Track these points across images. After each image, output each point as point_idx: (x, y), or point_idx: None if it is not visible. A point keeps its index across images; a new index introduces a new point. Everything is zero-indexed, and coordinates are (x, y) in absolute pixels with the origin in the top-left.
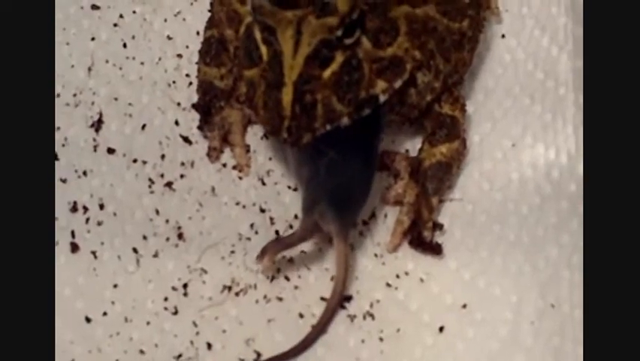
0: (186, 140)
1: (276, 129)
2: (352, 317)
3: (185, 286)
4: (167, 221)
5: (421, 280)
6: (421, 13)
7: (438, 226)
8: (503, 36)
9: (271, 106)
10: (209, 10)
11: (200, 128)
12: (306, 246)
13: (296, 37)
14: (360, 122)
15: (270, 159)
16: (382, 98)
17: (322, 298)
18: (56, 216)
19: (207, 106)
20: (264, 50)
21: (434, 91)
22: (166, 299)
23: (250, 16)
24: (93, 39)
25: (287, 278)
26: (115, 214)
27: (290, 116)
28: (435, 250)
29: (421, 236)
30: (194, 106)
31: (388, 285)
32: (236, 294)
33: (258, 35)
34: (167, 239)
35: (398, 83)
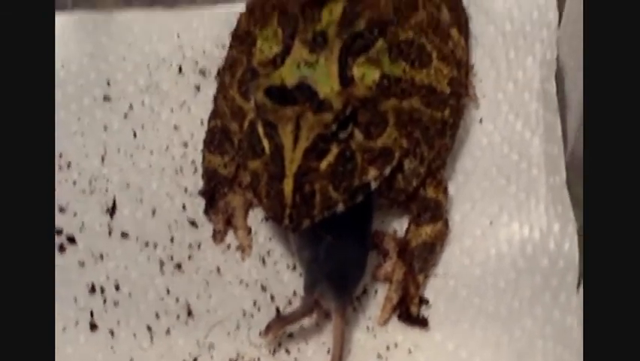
0: (193, 223)
1: (278, 217)
2: None
3: (195, 360)
4: (177, 300)
5: (409, 351)
6: (407, 106)
7: (424, 301)
8: (481, 121)
9: (274, 195)
10: (213, 101)
11: (205, 212)
12: (305, 321)
13: (295, 133)
14: (354, 208)
15: (270, 239)
16: (374, 185)
17: None
18: (75, 297)
19: (212, 192)
20: (266, 143)
21: (419, 176)
22: None
23: (253, 112)
24: (105, 129)
25: (287, 351)
26: (130, 295)
27: (291, 204)
28: (422, 323)
29: (409, 311)
30: (200, 192)
31: (379, 356)
32: None
33: (260, 130)
34: (178, 317)
35: (388, 170)
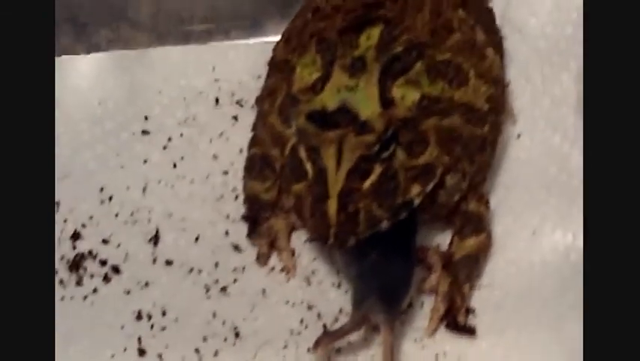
0: (236, 248)
1: (323, 236)
2: None
3: None
4: (224, 323)
5: (458, 359)
6: (447, 124)
7: (470, 311)
8: (519, 136)
9: (318, 216)
10: (252, 130)
11: (248, 236)
12: (353, 336)
13: (338, 155)
14: (398, 224)
15: (314, 260)
16: (417, 202)
17: None
18: (122, 324)
19: (254, 217)
20: (309, 166)
21: (461, 191)
22: None
23: (294, 137)
24: (145, 161)
25: None
26: (176, 319)
27: (336, 224)
28: (469, 331)
29: (456, 321)
30: (242, 217)
31: None
32: None
33: (303, 154)
34: (225, 339)
35: (430, 187)
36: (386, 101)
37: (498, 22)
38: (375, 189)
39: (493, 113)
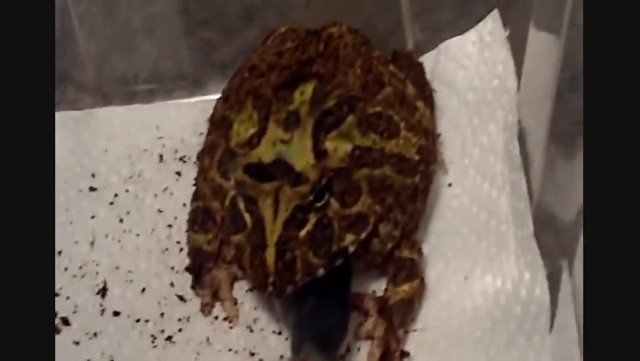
0: (181, 298)
1: (262, 285)
2: None
3: None
4: None
5: None
6: (379, 174)
7: (405, 355)
8: (450, 185)
9: (257, 265)
10: (194, 185)
11: (193, 287)
12: None
13: (274, 205)
14: (334, 271)
15: (256, 308)
16: (351, 249)
17: None
18: None
19: (198, 268)
20: (247, 217)
21: (394, 239)
22: None
23: (233, 189)
24: (93, 217)
25: None
26: None
27: (274, 272)
28: None
29: None
30: (186, 269)
31: None
32: None
33: (241, 205)
34: None
35: (364, 235)
36: (319, 153)
37: (428, 76)
38: (311, 237)
39: (424, 163)
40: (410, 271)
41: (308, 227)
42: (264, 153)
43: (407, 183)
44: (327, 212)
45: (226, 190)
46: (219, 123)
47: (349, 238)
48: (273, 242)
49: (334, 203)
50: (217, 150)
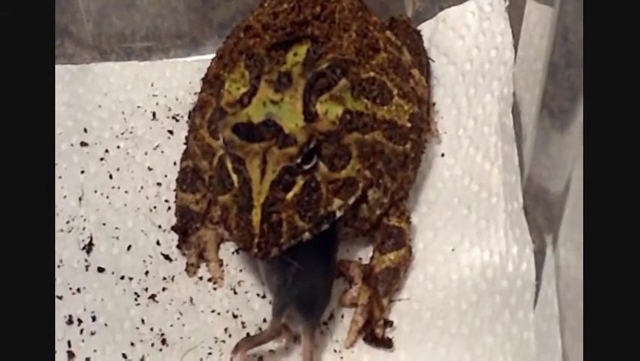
0: (167, 257)
1: (247, 246)
2: None
3: None
4: (151, 329)
5: None
6: (369, 139)
7: (388, 323)
8: (442, 155)
9: (243, 226)
10: (185, 143)
11: (178, 247)
12: (275, 346)
13: (262, 166)
14: (320, 236)
15: (241, 270)
16: (339, 214)
17: None
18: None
19: (184, 228)
20: (234, 177)
21: (383, 206)
22: None
23: (222, 149)
24: (83, 172)
25: None
26: (106, 325)
27: (259, 234)
28: (386, 344)
29: (374, 333)
30: (173, 228)
31: None
32: None
33: (229, 165)
34: (152, 345)
35: (352, 200)
36: (309, 115)
37: (426, 45)
38: (298, 200)
39: (416, 131)
40: (397, 239)
41: (295, 189)
42: (254, 112)
43: (398, 150)
44: (315, 175)
45: (215, 150)
46: (212, 82)
47: (337, 202)
48: (259, 203)
49: (323, 166)
50: (208, 108)
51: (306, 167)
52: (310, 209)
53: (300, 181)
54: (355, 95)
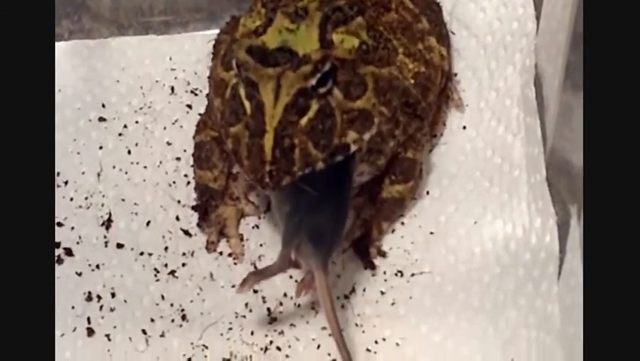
0: (187, 233)
1: (258, 175)
2: None
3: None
4: (171, 305)
5: (397, 344)
6: (386, 73)
7: (381, 253)
8: (464, 127)
9: (254, 153)
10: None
11: (199, 225)
12: (295, 319)
13: (276, 90)
14: (334, 172)
15: (261, 245)
16: (353, 148)
17: None
18: (73, 305)
19: (204, 206)
20: (247, 104)
21: (398, 141)
22: None
23: (235, 77)
24: (101, 148)
25: (278, 349)
26: (125, 301)
27: (271, 160)
28: (371, 265)
29: (367, 249)
30: (193, 208)
31: (368, 350)
32: None
33: (242, 92)
34: (172, 320)
35: (367, 136)
36: (325, 42)
37: (447, 17)
38: (312, 126)
39: (420, 88)
40: (408, 172)
41: (310, 114)
42: (269, 39)
43: (412, 92)
44: (330, 101)
45: (227, 82)
46: (230, 26)
47: (352, 135)
48: (272, 127)
49: (338, 93)
50: (222, 46)
51: (321, 90)
52: (324, 137)
53: (314, 105)
54: (370, 35)
